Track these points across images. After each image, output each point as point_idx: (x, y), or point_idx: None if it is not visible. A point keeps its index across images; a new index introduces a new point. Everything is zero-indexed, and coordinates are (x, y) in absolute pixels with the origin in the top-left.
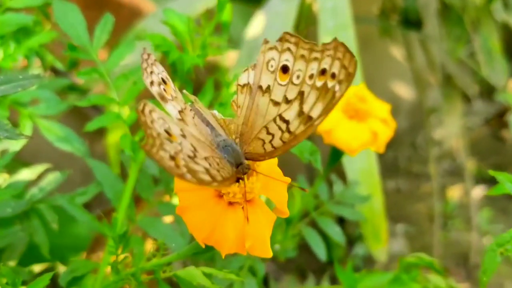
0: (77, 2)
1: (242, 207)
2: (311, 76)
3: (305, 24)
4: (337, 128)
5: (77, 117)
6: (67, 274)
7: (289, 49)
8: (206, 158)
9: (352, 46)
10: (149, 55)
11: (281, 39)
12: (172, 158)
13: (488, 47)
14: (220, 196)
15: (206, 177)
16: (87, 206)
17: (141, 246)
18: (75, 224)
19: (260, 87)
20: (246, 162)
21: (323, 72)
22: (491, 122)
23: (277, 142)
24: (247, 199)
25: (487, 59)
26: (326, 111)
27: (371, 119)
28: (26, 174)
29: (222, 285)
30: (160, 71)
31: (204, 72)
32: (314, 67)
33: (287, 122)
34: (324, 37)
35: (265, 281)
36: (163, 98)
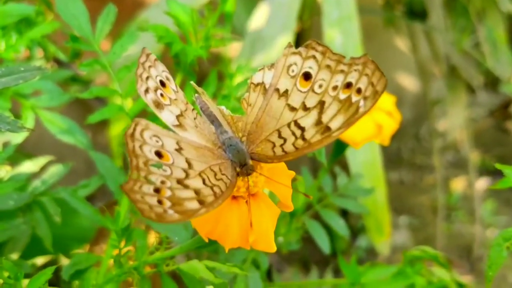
0: None
1: (246, 201)
2: (335, 88)
3: (309, 15)
4: None
5: (80, 108)
6: (70, 268)
7: (314, 57)
8: (201, 173)
9: (356, 37)
10: (148, 56)
11: (306, 46)
12: (157, 190)
13: (493, 38)
14: None
15: (193, 205)
16: (91, 198)
17: (144, 239)
18: (79, 215)
19: (277, 89)
20: (251, 162)
21: (348, 85)
22: (496, 114)
23: (289, 147)
24: (251, 193)
25: (492, 50)
26: (347, 124)
27: (376, 111)
28: (28, 166)
29: (226, 278)
30: (159, 72)
31: (207, 63)
32: (339, 79)
33: (302, 129)
34: (328, 28)
35: (268, 273)
36: (158, 105)
